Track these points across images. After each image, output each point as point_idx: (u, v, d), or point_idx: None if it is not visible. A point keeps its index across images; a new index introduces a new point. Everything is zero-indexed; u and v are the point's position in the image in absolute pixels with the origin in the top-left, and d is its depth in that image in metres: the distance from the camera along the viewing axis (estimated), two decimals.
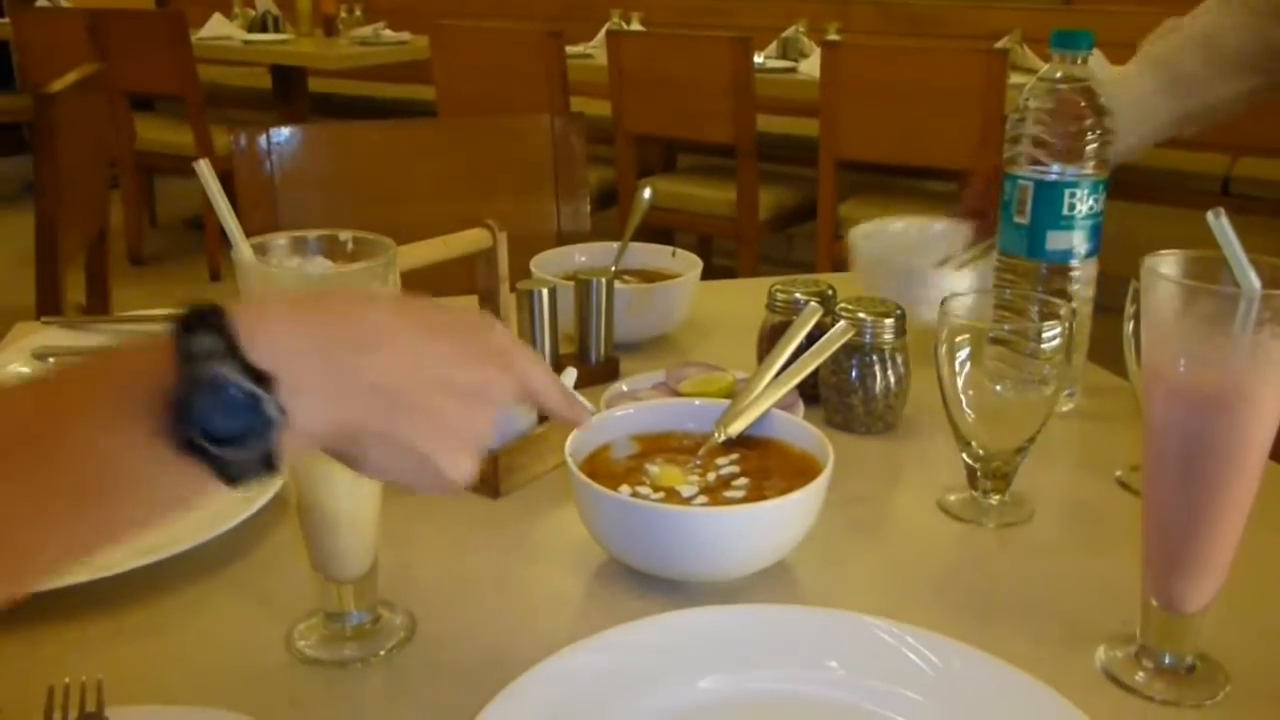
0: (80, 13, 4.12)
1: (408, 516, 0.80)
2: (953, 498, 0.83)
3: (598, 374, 1.02)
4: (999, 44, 3.07)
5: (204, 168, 0.57)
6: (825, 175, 2.97)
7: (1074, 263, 0.92)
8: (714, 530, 0.68)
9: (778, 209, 3.27)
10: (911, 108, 2.76)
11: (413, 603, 0.69)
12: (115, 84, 3.66)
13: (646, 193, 1.19)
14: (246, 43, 4.37)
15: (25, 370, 1.04)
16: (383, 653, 0.64)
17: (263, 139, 1.52)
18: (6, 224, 4.37)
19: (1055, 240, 0.91)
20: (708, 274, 1.19)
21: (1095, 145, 0.90)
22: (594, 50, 3.72)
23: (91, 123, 2.07)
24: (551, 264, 1.18)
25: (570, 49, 3.43)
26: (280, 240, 0.59)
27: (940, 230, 1.12)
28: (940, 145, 2.79)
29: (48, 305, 1.77)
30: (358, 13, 4.74)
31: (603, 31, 3.66)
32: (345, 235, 0.60)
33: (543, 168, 1.69)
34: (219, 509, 0.77)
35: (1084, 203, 0.90)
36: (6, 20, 4.94)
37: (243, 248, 0.57)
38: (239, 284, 0.57)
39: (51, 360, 1.06)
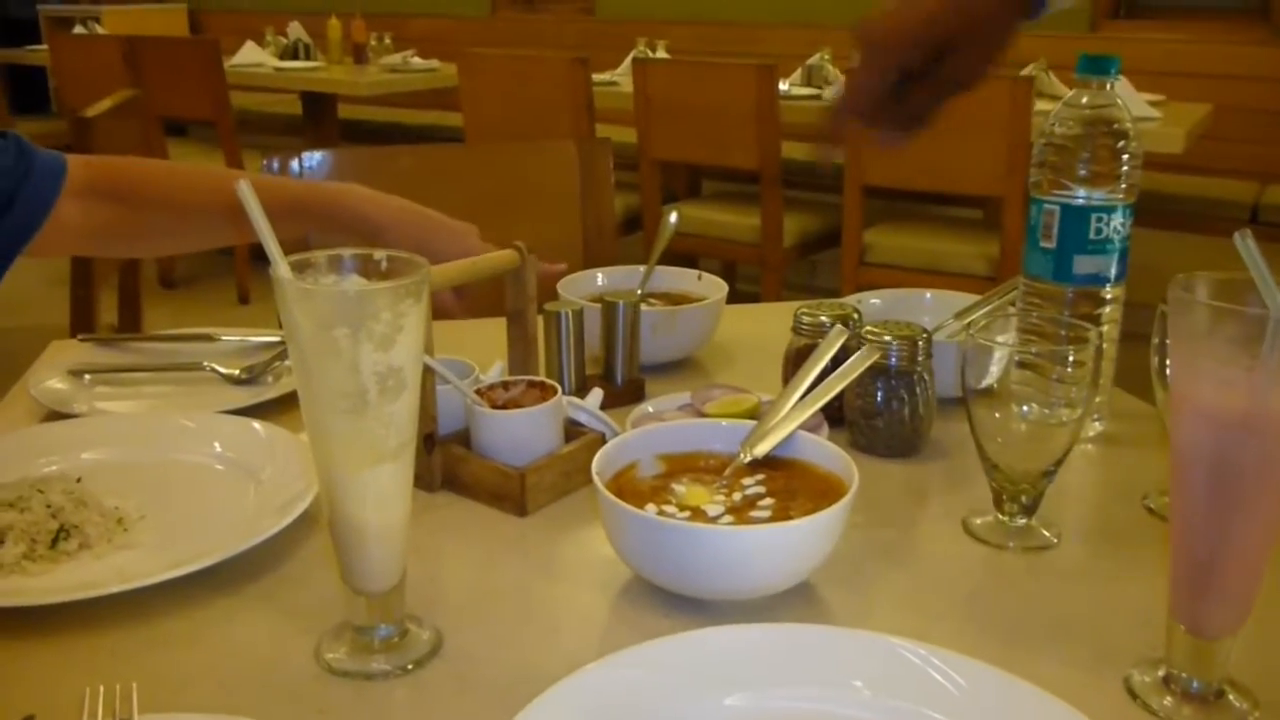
0: (116, 39, 4.21)
1: (436, 532, 0.81)
2: (978, 521, 0.83)
3: (623, 395, 1.03)
4: (1024, 71, 3.08)
5: (246, 189, 0.58)
6: (850, 202, 2.98)
7: (1100, 287, 0.93)
8: (740, 549, 0.68)
9: (802, 235, 3.28)
10: (937, 135, 2.73)
11: (439, 618, 0.69)
12: (150, 109, 3.72)
13: (673, 217, 1.20)
14: (278, 70, 4.44)
15: (62, 386, 1.05)
16: (410, 666, 0.65)
17: (295, 163, 1.54)
18: None
19: (1082, 265, 0.91)
20: (731, 300, 1.19)
21: (1122, 170, 0.90)
22: (620, 78, 3.76)
23: (126, 147, 2.11)
24: (578, 286, 1.19)
25: (596, 76, 3.47)
26: (317, 258, 0.60)
27: (930, 298, 1.16)
28: (966, 172, 2.80)
29: (81, 324, 1.80)
30: (387, 41, 4.81)
31: (628, 59, 3.70)
32: (380, 254, 0.61)
33: (570, 193, 1.71)
34: (251, 522, 0.78)
35: (1111, 227, 0.91)
36: (44, 46, 5.04)
37: (281, 266, 0.58)
38: (276, 301, 0.58)
39: (87, 378, 1.08)
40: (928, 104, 0.80)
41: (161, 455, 0.91)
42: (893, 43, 0.75)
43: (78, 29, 5.27)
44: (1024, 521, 0.81)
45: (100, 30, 5.25)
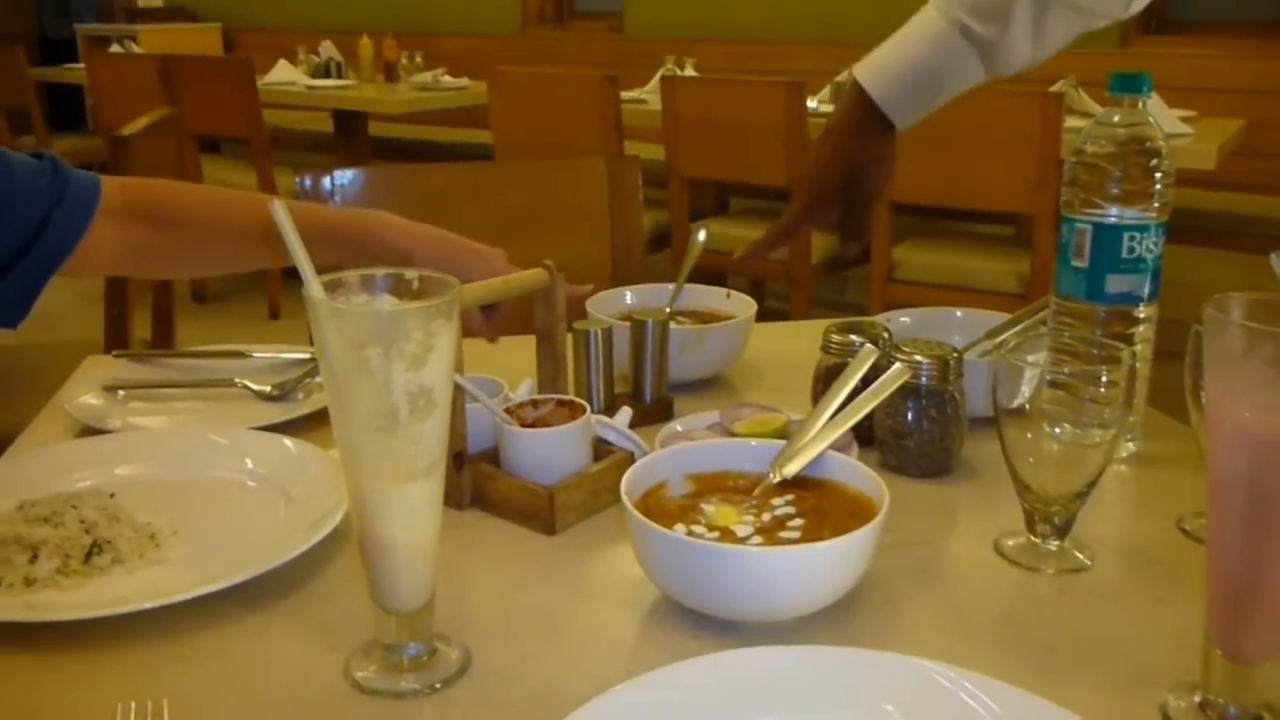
0: (152, 58, 4.27)
1: (465, 551, 0.81)
2: (1010, 542, 0.82)
3: (652, 414, 1.03)
4: (1054, 88, 3.06)
5: (279, 208, 0.59)
6: (879, 218, 2.97)
7: (1133, 306, 0.92)
8: (769, 570, 0.68)
9: (830, 252, 3.26)
10: (966, 151, 2.76)
11: (468, 636, 0.69)
12: (184, 127, 3.78)
13: (701, 234, 1.21)
14: (310, 88, 4.49)
15: (96, 402, 1.07)
16: (438, 685, 0.65)
17: (326, 180, 1.56)
18: None
19: (1115, 284, 0.91)
20: (760, 317, 1.19)
21: (1155, 188, 0.89)
22: (648, 95, 3.77)
23: (161, 164, 2.14)
24: (607, 304, 1.19)
25: (625, 94, 3.48)
26: (350, 278, 0.61)
27: (960, 317, 1.16)
28: (996, 189, 2.78)
29: (115, 340, 1.82)
30: (418, 59, 4.86)
31: (657, 77, 3.71)
32: (411, 274, 0.62)
33: (598, 210, 1.71)
34: (281, 539, 0.79)
35: (1144, 246, 0.90)
36: (82, 65, 5.13)
37: (314, 285, 0.58)
38: (308, 319, 0.59)
39: (121, 393, 1.09)
40: (858, 216, 1.14)
41: (194, 471, 0.92)
42: (808, 185, 1.14)
43: (114, 48, 5.36)
44: (1057, 543, 0.80)
45: (136, 49, 5.34)
